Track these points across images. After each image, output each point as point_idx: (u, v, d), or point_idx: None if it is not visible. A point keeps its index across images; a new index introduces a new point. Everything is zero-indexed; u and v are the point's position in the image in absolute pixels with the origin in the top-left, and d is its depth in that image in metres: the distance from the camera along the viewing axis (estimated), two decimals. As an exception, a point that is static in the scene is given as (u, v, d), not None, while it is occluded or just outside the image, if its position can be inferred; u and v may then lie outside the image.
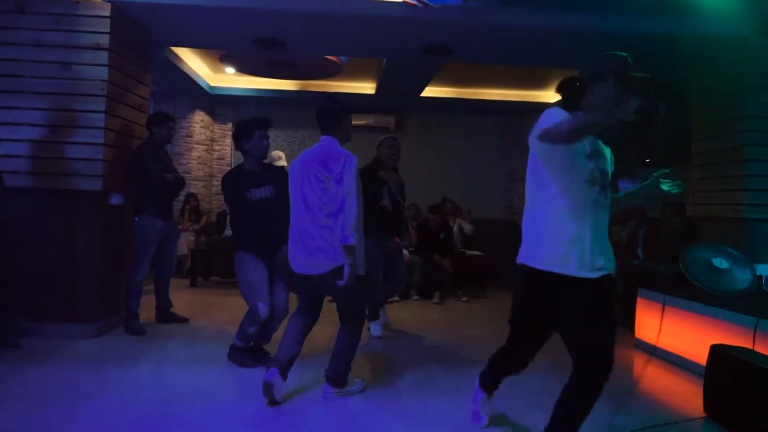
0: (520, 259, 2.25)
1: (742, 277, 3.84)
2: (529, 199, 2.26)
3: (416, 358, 3.86)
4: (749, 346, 3.00)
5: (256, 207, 3.44)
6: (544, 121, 2.14)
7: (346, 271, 2.80)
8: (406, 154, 9.16)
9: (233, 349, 3.53)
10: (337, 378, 2.99)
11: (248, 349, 3.59)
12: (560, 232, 2.09)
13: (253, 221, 3.43)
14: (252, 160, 3.51)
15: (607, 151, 2.30)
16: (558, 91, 2.32)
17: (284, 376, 2.92)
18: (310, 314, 3.11)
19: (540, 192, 2.19)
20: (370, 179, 4.28)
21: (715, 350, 2.90)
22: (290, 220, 3.00)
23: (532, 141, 2.20)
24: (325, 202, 2.84)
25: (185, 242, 7.18)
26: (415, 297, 6.22)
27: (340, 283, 2.81)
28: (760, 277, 4.00)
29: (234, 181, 3.49)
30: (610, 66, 2.22)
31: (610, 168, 2.26)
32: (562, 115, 2.13)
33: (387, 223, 4.49)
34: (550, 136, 2.06)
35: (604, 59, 2.23)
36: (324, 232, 2.84)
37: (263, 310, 3.33)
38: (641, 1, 4.26)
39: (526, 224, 2.25)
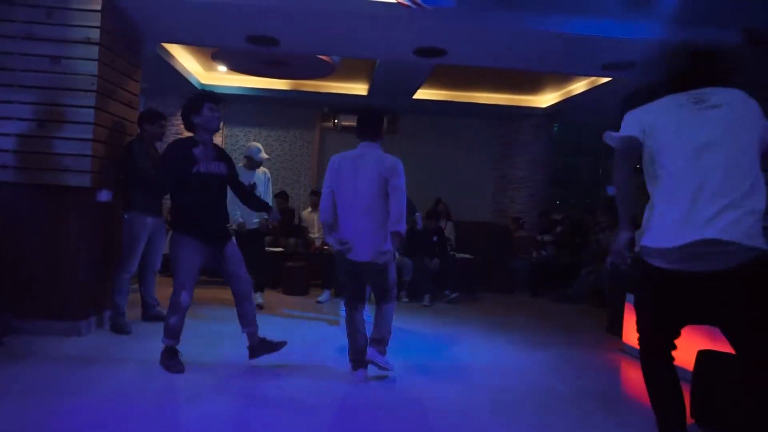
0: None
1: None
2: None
3: (404, 360, 3.85)
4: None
5: (205, 182, 3.28)
6: None
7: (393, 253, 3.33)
8: (397, 156, 9.20)
9: (162, 351, 3.34)
10: (382, 340, 3.34)
11: (256, 345, 3.50)
12: None
13: (199, 198, 3.27)
14: (203, 134, 3.37)
15: None
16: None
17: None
18: (360, 296, 3.49)
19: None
20: None
21: (702, 355, 2.93)
22: (343, 216, 3.33)
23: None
24: (384, 203, 3.25)
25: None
26: (405, 299, 6.22)
27: (381, 262, 3.28)
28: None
29: (184, 150, 3.29)
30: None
31: None
32: None
33: None
34: None
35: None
36: (383, 227, 3.27)
37: (185, 300, 3.24)
38: (633, 7, 4.32)
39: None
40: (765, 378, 1.94)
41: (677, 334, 2.14)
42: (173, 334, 3.32)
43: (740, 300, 1.92)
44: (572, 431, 2.75)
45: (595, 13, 4.39)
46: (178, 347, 3.38)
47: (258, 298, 5.32)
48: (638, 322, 2.25)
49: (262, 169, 5.52)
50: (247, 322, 3.50)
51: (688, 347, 3.37)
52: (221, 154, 3.50)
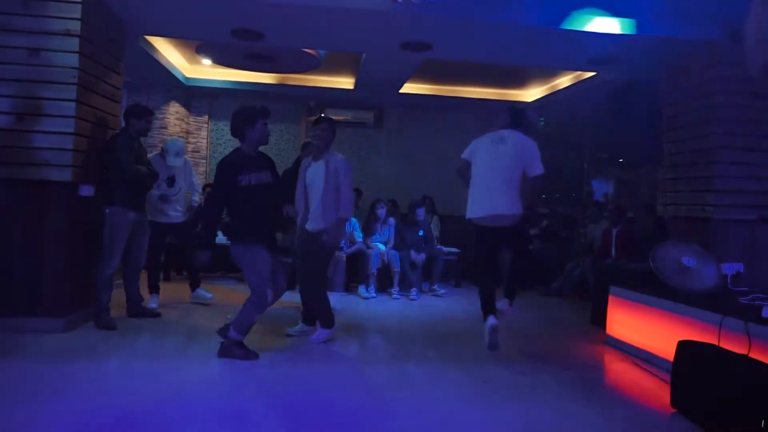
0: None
1: (708, 276, 3.95)
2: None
3: (391, 354, 3.86)
4: (714, 342, 3.09)
5: (257, 192, 3.48)
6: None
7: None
8: (384, 151, 9.21)
9: (232, 345, 3.47)
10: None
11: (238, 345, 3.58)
12: None
13: (256, 208, 3.47)
14: (250, 146, 3.57)
15: None
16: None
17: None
18: None
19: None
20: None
21: (682, 346, 2.98)
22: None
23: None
24: None
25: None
26: (395, 296, 6.20)
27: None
28: (726, 275, 4.12)
29: (236, 165, 3.48)
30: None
31: None
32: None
33: None
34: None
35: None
36: None
37: (270, 294, 3.48)
38: (615, 3, 4.34)
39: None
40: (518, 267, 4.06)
41: (492, 257, 3.97)
42: (247, 331, 3.51)
43: (513, 237, 3.83)
44: (556, 421, 2.78)
45: (580, 8, 4.40)
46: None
47: (152, 301, 4.90)
48: (475, 257, 4.21)
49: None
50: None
51: (669, 338, 3.43)
52: (267, 162, 3.68)
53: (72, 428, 2.42)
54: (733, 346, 2.98)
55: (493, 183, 3.69)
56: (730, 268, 4.14)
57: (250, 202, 3.46)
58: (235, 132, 3.56)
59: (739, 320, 3.08)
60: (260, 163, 3.59)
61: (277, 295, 3.62)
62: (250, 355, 3.48)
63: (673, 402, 2.93)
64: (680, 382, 2.91)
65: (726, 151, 4.55)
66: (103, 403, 2.70)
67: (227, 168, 3.47)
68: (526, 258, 4.18)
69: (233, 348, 3.48)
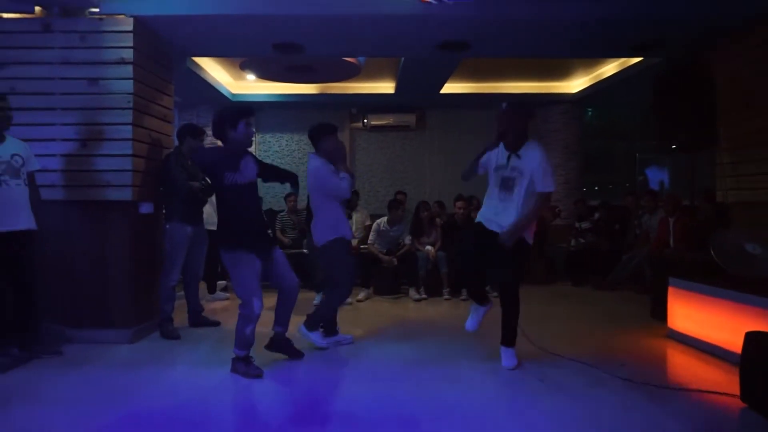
0: None
1: (777, 262, 3.73)
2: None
3: (443, 354, 3.86)
4: (787, 332, 2.91)
5: (243, 192, 3.31)
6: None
7: None
8: (427, 152, 9.21)
9: (235, 361, 3.37)
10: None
11: (279, 341, 3.66)
12: None
13: (242, 209, 3.32)
14: (233, 147, 3.35)
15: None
16: None
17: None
18: None
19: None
20: None
21: (751, 337, 2.83)
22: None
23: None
24: None
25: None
26: (446, 297, 6.18)
27: None
28: (797, 261, 3.87)
29: (220, 161, 3.27)
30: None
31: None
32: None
33: None
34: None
35: None
36: None
37: (257, 305, 3.27)
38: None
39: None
40: None
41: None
42: (248, 344, 3.34)
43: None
44: (616, 419, 2.70)
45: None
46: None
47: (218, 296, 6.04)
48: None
49: None
50: (280, 321, 3.66)
51: (736, 329, 3.27)
52: (253, 158, 3.50)
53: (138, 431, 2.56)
54: (808, 335, 2.81)
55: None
56: (800, 253, 3.90)
57: (236, 200, 3.30)
58: (216, 134, 3.35)
59: (813, 308, 2.90)
60: (245, 161, 3.36)
61: (293, 295, 3.58)
62: (251, 371, 3.30)
63: (744, 396, 2.79)
64: (750, 375, 2.77)
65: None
66: (169, 407, 2.83)
67: (211, 162, 3.31)
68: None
69: (236, 363, 3.36)
